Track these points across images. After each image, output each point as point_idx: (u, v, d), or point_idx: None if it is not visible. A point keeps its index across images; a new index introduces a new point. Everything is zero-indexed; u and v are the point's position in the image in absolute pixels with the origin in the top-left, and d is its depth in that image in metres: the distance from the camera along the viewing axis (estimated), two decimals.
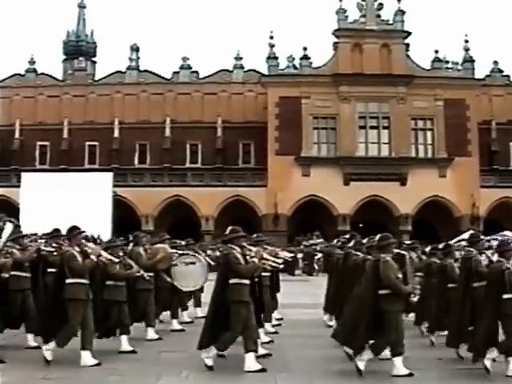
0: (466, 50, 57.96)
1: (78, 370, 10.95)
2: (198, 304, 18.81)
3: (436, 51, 57.54)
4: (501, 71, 61.31)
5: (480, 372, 10.60)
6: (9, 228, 8.65)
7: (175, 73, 60.33)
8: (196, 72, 60.47)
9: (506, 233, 36.55)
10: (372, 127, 55.87)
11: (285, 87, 54.87)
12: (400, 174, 54.68)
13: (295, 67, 56.57)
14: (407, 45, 56.84)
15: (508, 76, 61.30)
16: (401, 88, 55.50)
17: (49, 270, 13.62)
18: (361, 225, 48.79)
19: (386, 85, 54.57)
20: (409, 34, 56.59)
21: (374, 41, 55.72)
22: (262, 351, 11.99)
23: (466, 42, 58.09)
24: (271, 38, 56.98)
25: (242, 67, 60.46)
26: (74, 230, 12.01)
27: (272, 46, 56.69)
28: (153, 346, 13.52)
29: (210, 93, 58.80)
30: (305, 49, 56.76)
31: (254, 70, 59.68)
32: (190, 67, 60.41)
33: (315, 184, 53.14)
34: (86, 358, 11.23)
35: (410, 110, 55.48)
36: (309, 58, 56.67)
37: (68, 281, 11.44)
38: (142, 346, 13.40)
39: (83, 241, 12.24)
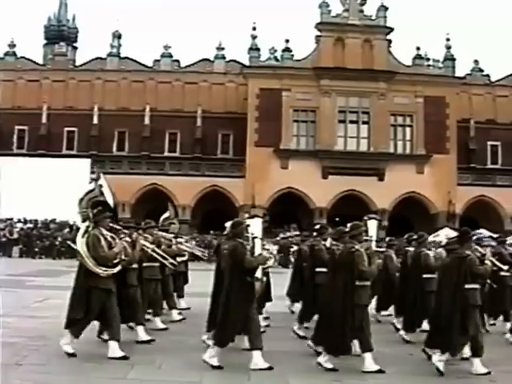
0: (448, 48, 58.17)
1: (57, 356, 10.94)
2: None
3: (417, 48, 57.79)
4: (481, 70, 61.62)
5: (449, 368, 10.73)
6: None
7: (156, 61, 60.09)
8: (177, 61, 60.29)
9: (482, 231, 36.80)
10: (351, 122, 55.97)
11: (266, 79, 54.85)
12: (378, 170, 54.88)
13: (277, 59, 56.51)
14: (389, 41, 56.95)
15: (488, 75, 61.60)
16: (381, 84, 55.64)
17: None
18: (337, 218, 48.87)
19: (366, 80, 54.66)
20: (391, 30, 56.69)
21: (356, 36, 55.78)
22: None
23: (448, 40, 58.33)
24: (254, 29, 56.94)
25: (223, 57, 60.32)
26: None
27: (254, 37, 56.64)
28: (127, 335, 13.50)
29: (190, 82, 58.61)
30: (287, 41, 56.74)
31: (236, 61, 59.58)
32: (171, 56, 60.20)
33: (293, 176, 53.23)
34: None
35: (389, 106, 55.67)
36: (291, 51, 56.67)
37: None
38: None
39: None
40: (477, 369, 10.82)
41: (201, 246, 49.46)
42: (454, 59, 57.83)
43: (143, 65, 60.09)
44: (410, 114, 56.43)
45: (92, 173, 52.15)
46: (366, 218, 13.50)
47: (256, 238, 11.09)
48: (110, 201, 11.76)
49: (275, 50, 56.52)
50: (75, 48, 68.03)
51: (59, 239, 46.85)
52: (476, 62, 61.73)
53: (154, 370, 10.34)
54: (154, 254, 13.24)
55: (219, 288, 11.98)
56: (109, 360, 10.83)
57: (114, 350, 11.01)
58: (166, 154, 57.87)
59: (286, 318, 16.58)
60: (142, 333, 12.77)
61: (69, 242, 45.79)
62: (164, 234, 14.84)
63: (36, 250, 47.01)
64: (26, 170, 49.51)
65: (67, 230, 48.72)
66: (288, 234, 49.38)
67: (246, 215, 11.90)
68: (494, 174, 57.65)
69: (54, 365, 10.34)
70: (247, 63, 56.86)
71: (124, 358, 10.90)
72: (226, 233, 14.34)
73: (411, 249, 15.59)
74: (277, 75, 54.88)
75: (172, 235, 16.00)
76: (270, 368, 10.54)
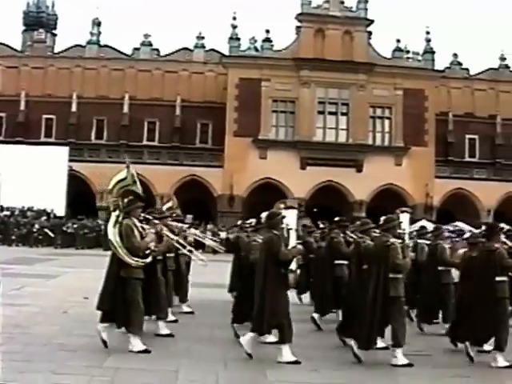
0: (427, 41, 58.36)
1: (33, 345, 10.90)
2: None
3: (397, 41, 57.93)
4: (460, 64, 61.92)
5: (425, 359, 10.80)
6: None
7: (136, 49, 59.86)
8: (157, 49, 60.10)
9: (458, 223, 37.03)
10: (331, 113, 56.08)
11: (245, 69, 54.79)
12: (356, 161, 55.03)
13: (257, 49, 56.49)
14: (369, 33, 57.07)
15: (467, 69, 61.88)
16: (361, 75, 55.75)
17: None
18: (315, 209, 49.00)
19: (346, 71, 54.76)
20: (371, 22, 56.76)
21: (337, 27, 55.82)
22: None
23: (428, 33, 58.52)
24: (234, 18, 56.83)
25: (203, 47, 60.19)
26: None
27: (234, 26, 56.53)
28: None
29: (170, 71, 58.47)
30: (267, 31, 56.72)
31: (216, 50, 59.49)
32: (150, 44, 60.01)
33: (271, 167, 53.25)
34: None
35: (369, 98, 55.81)
36: (271, 41, 56.66)
37: None
38: (93, 321, 13.36)
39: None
40: (499, 363, 10.89)
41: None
42: (433, 52, 58.06)
43: (123, 53, 59.88)
44: (388, 106, 56.62)
45: (71, 161, 52.12)
46: (398, 211, 13.49)
47: (291, 229, 11.00)
48: (140, 190, 11.55)
49: (255, 40, 56.53)
50: (54, 35, 67.42)
51: (36, 227, 46.63)
52: (455, 55, 62.04)
53: (131, 358, 10.32)
54: (178, 245, 13.02)
55: (246, 281, 12.18)
56: (84, 348, 10.80)
57: (136, 343, 10.83)
58: (145, 142, 57.78)
59: None
60: (162, 326, 12.64)
61: (46, 230, 45.93)
62: (179, 224, 14.53)
63: (13, 237, 46.69)
64: (3, 157, 49.12)
65: (44, 217, 48.57)
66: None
67: (282, 206, 11.76)
68: (472, 168, 58.04)
69: (30, 353, 10.31)
70: (227, 53, 56.78)
71: (146, 351, 10.77)
72: (252, 225, 14.24)
73: (421, 241, 15.64)
74: (256, 65, 54.85)
75: (186, 225, 15.76)
76: (298, 362, 10.43)
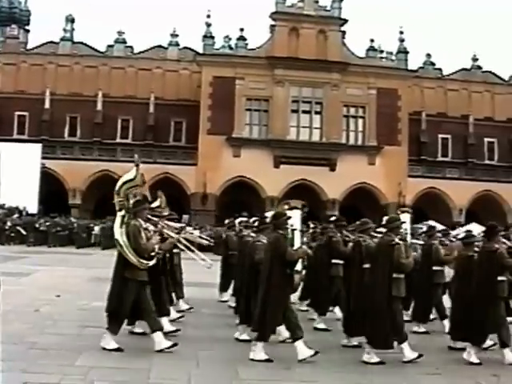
0: (401, 41, 58.63)
1: (2, 344, 10.86)
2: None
3: (371, 40, 58.19)
4: (433, 64, 62.37)
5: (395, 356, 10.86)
6: None
7: (109, 46, 59.69)
8: (131, 47, 59.95)
9: (430, 222, 37.20)
10: (304, 112, 56.20)
11: (219, 67, 54.77)
12: (330, 160, 55.19)
13: (231, 48, 56.49)
14: (343, 32, 57.24)
15: (440, 69, 62.32)
16: (335, 74, 55.91)
17: None
18: None
19: (320, 70, 54.90)
20: (345, 21, 56.93)
21: (311, 26, 55.94)
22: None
23: (401, 33, 58.79)
24: (208, 16, 56.73)
25: (177, 44, 60.14)
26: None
27: (209, 24, 56.46)
28: (74, 321, 13.46)
29: (144, 68, 58.37)
30: (241, 30, 56.78)
31: (190, 48, 59.44)
32: (124, 42, 59.86)
33: (245, 165, 53.29)
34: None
35: (342, 97, 56.00)
36: (245, 39, 56.70)
37: None
38: (65, 319, 13.33)
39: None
40: (509, 359, 11.04)
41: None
42: (406, 52, 58.35)
43: (96, 50, 59.65)
44: (362, 105, 56.85)
45: (43, 158, 51.85)
46: (398, 211, 13.56)
47: (295, 230, 10.99)
48: (147, 191, 11.49)
49: (229, 39, 56.52)
50: (27, 31, 66.94)
51: (8, 224, 46.25)
52: (428, 55, 62.49)
53: (103, 356, 10.29)
54: (179, 245, 12.96)
55: (249, 281, 12.26)
56: (56, 347, 10.76)
57: (161, 341, 10.80)
58: (118, 140, 57.61)
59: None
60: (166, 324, 12.56)
61: (18, 228, 45.59)
62: (172, 223, 14.44)
63: None
64: None
65: (17, 215, 48.20)
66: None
67: (286, 207, 11.74)
68: (444, 167, 58.47)
69: (1, 352, 10.25)
70: (201, 51, 56.72)
71: (174, 345, 10.75)
72: (255, 225, 14.19)
73: (414, 241, 15.72)
74: (230, 63, 54.83)
75: (181, 225, 15.68)
76: (316, 352, 10.48)
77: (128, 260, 10.85)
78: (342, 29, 57.13)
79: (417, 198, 55.82)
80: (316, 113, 56.29)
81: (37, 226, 46.15)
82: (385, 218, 11.90)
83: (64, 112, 56.83)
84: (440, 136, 60.72)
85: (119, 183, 11.37)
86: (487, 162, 61.31)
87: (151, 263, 11.11)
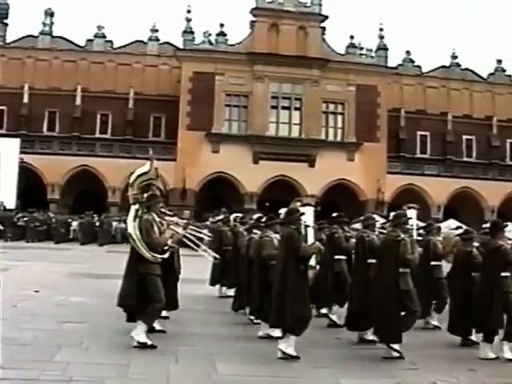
0: (381, 38, 58.72)
1: None
2: None
3: (351, 37, 58.26)
4: (412, 61, 62.63)
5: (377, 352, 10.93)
6: None
7: (89, 41, 59.40)
8: (110, 41, 59.70)
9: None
10: (284, 108, 56.24)
11: (199, 62, 54.67)
12: (309, 156, 55.27)
13: (211, 43, 56.36)
14: (323, 28, 57.30)
15: (419, 66, 62.59)
16: (315, 71, 55.95)
17: None
18: (267, 204, 49.09)
19: (300, 67, 54.93)
20: (325, 17, 56.97)
21: (291, 22, 55.97)
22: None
23: (381, 30, 58.92)
24: (188, 11, 56.61)
25: (157, 39, 60.01)
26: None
27: (189, 20, 56.33)
28: (53, 317, 13.43)
29: (123, 63, 58.17)
30: (221, 25, 56.67)
31: (170, 43, 59.31)
32: (104, 36, 59.61)
33: (224, 161, 53.24)
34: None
35: (322, 93, 56.07)
36: (225, 35, 56.60)
37: None
38: (43, 315, 13.30)
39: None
40: (506, 353, 11.22)
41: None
42: (386, 49, 58.49)
43: (76, 44, 59.36)
44: (341, 101, 56.95)
45: (22, 153, 51.58)
46: (405, 207, 13.63)
47: (308, 226, 11.02)
48: (161, 185, 11.43)
49: (209, 34, 56.38)
50: (6, 25, 66.26)
51: None
52: (408, 52, 62.75)
53: (81, 352, 10.28)
54: (186, 240, 12.93)
55: (260, 278, 12.39)
56: (34, 343, 10.74)
57: (141, 334, 10.76)
58: (97, 135, 57.38)
59: (218, 303, 16.73)
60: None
61: None
62: (176, 218, 14.37)
63: None
64: None
65: None
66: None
67: (299, 204, 11.77)
68: (423, 164, 58.73)
69: None
70: (181, 46, 56.61)
71: (152, 346, 10.70)
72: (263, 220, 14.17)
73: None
74: (210, 59, 54.76)
75: (184, 220, 15.65)
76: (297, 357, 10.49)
77: (141, 255, 10.85)
78: (322, 25, 57.18)
79: (395, 195, 55.96)
80: (295, 109, 56.34)
81: (15, 221, 45.96)
82: (392, 214, 12.09)
83: (43, 106, 56.53)
84: (419, 133, 61.00)
85: (133, 177, 11.43)
86: (465, 159, 61.64)
87: (164, 257, 11.12)
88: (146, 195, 11.25)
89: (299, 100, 56.24)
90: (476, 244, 13.02)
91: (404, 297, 10.99)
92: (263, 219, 13.92)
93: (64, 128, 57.04)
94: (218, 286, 18.48)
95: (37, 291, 16.61)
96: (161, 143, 56.55)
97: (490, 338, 11.34)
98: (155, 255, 10.90)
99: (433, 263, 14.52)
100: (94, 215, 48.81)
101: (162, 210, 12.04)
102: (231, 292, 17.14)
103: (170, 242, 11.38)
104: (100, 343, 10.86)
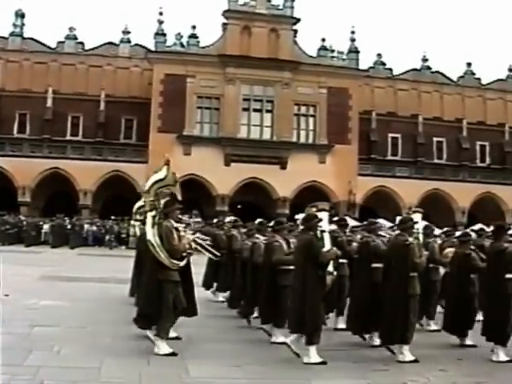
0: (352, 40, 58.96)
1: None
2: None
3: (323, 39, 58.45)
4: (384, 64, 62.95)
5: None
6: None
7: (60, 42, 59.08)
8: (82, 43, 59.45)
9: (380, 220, 37.51)
10: (255, 110, 56.29)
11: (171, 64, 54.60)
12: (280, 158, 55.34)
13: (183, 45, 56.28)
14: (295, 31, 57.41)
15: (390, 69, 62.94)
16: (286, 73, 56.06)
17: None
18: (239, 206, 49.20)
19: (271, 69, 55.01)
20: (297, 20, 57.11)
21: (263, 25, 56.05)
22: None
23: (353, 33, 59.18)
24: (160, 14, 56.51)
25: (129, 41, 59.85)
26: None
27: (161, 22, 56.22)
28: (23, 321, 13.36)
29: (95, 65, 57.95)
30: (193, 27, 56.66)
31: (141, 46, 59.16)
32: (75, 38, 59.33)
33: (196, 163, 53.15)
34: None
35: (293, 96, 56.17)
36: (197, 37, 56.56)
37: None
38: (14, 319, 13.24)
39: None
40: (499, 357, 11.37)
41: (102, 232, 49.38)
42: (357, 52, 58.72)
43: (47, 46, 59.01)
44: (313, 104, 57.09)
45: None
46: (410, 211, 13.69)
47: (324, 231, 11.02)
48: (178, 191, 11.34)
49: (181, 36, 56.32)
50: None
51: None
52: (379, 55, 63.09)
53: (53, 356, 10.23)
54: (195, 245, 12.89)
55: (269, 282, 12.40)
56: (4, 347, 10.64)
57: (163, 347, 10.75)
58: (68, 137, 57.06)
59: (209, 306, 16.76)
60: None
61: None
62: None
63: None
64: None
65: None
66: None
67: (314, 209, 11.78)
68: (394, 166, 59.05)
69: None
70: (153, 48, 56.44)
71: (173, 354, 10.66)
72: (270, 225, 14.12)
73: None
74: (182, 61, 54.71)
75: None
76: (324, 363, 10.52)
77: (160, 262, 10.80)
78: (294, 28, 57.30)
79: (367, 197, 56.25)
80: (267, 111, 56.42)
81: None
82: (398, 218, 12.17)
83: (13, 108, 56.16)
84: (390, 135, 61.34)
85: (149, 183, 11.28)
86: (436, 161, 62.07)
87: (182, 263, 11.09)
88: (162, 201, 11.15)
89: (271, 102, 56.32)
90: (472, 247, 13.22)
91: (409, 302, 11.09)
92: (270, 224, 13.85)
93: (35, 130, 56.69)
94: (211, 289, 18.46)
95: (7, 295, 16.49)
96: (132, 146, 56.45)
97: (504, 341, 11.42)
98: (174, 262, 10.89)
99: (430, 265, 14.56)
100: (66, 218, 48.67)
101: (180, 216, 11.97)
102: (221, 296, 17.18)
103: (187, 247, 11.36)
104: (71, 347, 10.83)
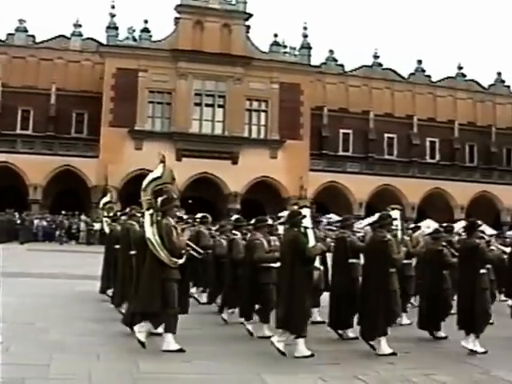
0: (304, 36, 59.18)
1: None
2: None
3: (275, 35, 58.61)
4: (335, 60, 63.38)
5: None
6: None
7: (10, 35, 58.40)
8: (32, 36, 58.85)
9: (331, 216, 37.97)
10: (207, 105, 56.31)
11: (123, 59, 54.33)
12: (232, 153, 55.41)
13: (135, 39, 56.01)
14: (248, 26, 57.51)
15: (342, 65, 63.38)
16: (238, 68, 56.13)
17: None
18: (190, 201, 49.06)
19: (224, 64, 55.05)
20: (250, 15, 57.21)
21: (216, 20, 56.04)
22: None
23: (305, 29, 59.40)
24: (112, 7, 56.13)
25: (80, 35, 59.41)
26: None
27: (113, 15, 55.88)
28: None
29: (45, 58, 57.40)
30: (146, 21, 56.40)
31: (93, 39, 58.80)
32: (26, 30, 58.71)
33: (147, 158, 52.38)
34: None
35: (245, 91, 56.27)
36: (149, 31, 56.35)
37: None
38: None
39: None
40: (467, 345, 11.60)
41: (52, 227, 48.97)
42: (310, 48, 58.97)
43: None
44: (265, 99, 57.25)
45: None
46: (388, 208, 13.75)
47: (308, 228, 11.05)
48: (175, 188, 11.23)
49: (133, 30, 56.05)
50: None
51: None
52: (331, 51, 63.53)
53: (1, 353, 10.18)
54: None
55: (251, 279, 12.42)
56: None
57: (171, 343, 10.72)
58: (18, 131, 56.46)
59: None
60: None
61: None
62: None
63: None
64: None
65: None
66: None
67: (296, 206, 11.81)
68: (345, 161, 59.48)
69: None
70: (105, 42, 56.10)
71: (180, 350, 10.64)
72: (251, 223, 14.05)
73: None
74: (134, 55, 54.48)
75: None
76: (312, 355, 10.67)
77: (160, 260, 10.76)
78: (247, 23, 57.41)
79: (318, 192, 56.50)
80: (219, 106, 56.46)
81: None
82: (377, 215, 12.34)
83: None
84: (341, 131, 61.80)
85: (146, 181, 11.20)
86: (387, 156, 62.69)
87: (182, 261, 11.04)
88: (159, 200, 11.10)
89: (223, 97, 56.36)
90: (444, 243, 13.53)
91: (390, 296, 11.29)
92: (252, 221, 13.82)
93: None
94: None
95: None
96: (83, 140, 56.09)
97: (477, 333, 11.66)
98: (173, 259, 10.85)
99: (404, 261, 14.75)
100: (15, 213, 48.18)
101: (178, 213, 11.93)
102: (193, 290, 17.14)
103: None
104: (20, 343, 10.75)
